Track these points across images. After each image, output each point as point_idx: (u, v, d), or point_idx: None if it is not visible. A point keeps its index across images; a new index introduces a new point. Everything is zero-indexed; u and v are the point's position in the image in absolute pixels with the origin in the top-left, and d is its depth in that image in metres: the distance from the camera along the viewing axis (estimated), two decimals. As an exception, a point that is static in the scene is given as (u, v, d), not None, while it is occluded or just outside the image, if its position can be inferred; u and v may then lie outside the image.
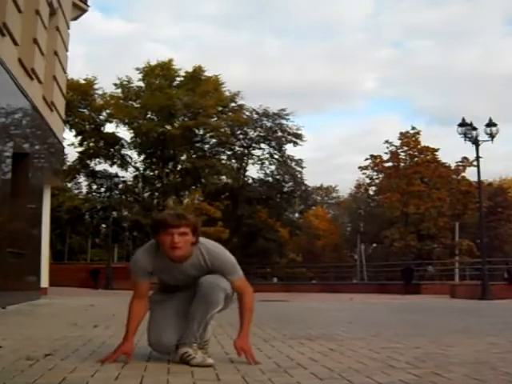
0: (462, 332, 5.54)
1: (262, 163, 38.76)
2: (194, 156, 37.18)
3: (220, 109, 36.26)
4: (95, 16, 61.55)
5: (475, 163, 18.55)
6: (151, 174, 37.56)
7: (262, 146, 38.64)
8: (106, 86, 45.47)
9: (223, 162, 37.98)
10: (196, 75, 35.62)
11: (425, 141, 41.27)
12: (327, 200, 60.97)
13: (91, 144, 35.81)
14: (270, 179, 39.27)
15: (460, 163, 39.96)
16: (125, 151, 37.17)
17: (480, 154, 17.70)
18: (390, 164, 41.76)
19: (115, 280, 23.08)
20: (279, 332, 5.39)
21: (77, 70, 69.62)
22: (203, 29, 71.82)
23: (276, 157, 38.72)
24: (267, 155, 38.71)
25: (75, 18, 14.92)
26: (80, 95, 33.93)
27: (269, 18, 78.38)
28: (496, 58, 72.79)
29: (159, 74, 35.37)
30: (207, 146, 38.08)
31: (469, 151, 36.54)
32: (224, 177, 38.41)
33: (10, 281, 9.27)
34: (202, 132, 37.03)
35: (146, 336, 3.57)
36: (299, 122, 64.75)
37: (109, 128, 36.38)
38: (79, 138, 35.31)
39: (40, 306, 9.77)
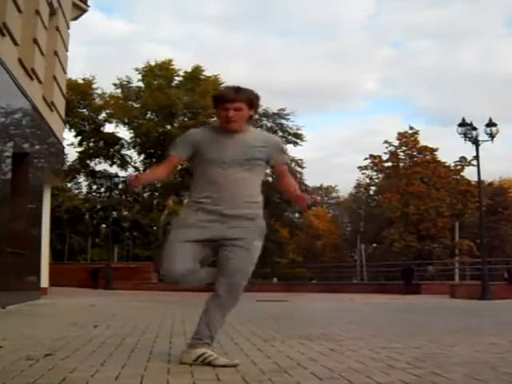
0: (461, 332, 5.54)
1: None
2: (193, 156, 37.15)
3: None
4: (96, 16, 61.70)
5: (474, 163, 18.56)
6: (151, 174, 37.50)
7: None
8: (108, 86, 45.51)
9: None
10: (195, 75, 35.60)
11: (425, 141, 41.39)
12: (327, 200, 60.97)
13: (91, 144, 35.80)
14: (270, 179, 39.26)
15: (458, 163, 40.00)
16: (125, 151, 37.17)
17: (480, 154, 17.73)
18: (389, 164, 41.79)
19: (115, 280, 23.08)
20: (279, 332, 5.39)
21: (78, 70, 69.62)
22: (204, 29, 71.98)
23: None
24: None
25: (75, 18, 14.92)
26: (79, 95, 33.93)
27: (269, 18, 78.55)
28: (496, 59, 72.94)
29: (158, 74, 35.35)
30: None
31: (469, 151, 36.55)
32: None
33: (10, 281, 9.27)
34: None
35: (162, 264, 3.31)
36: (299, 121, 64.70)
37: (108, 128, 36.37)
38: (79, 138, 35.29)
39: (40, 306, 9.77)
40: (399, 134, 41.05)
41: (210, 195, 3.28)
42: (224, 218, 3.26)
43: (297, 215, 47.04)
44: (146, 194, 38.11)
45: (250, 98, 3.35)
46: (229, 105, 3.28)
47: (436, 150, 40.60)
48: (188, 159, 3.43)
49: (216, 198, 3.26)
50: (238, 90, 3.34)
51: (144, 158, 37.02)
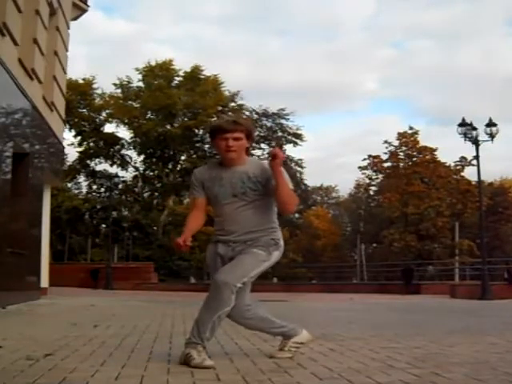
0: (461, 332, 5.54)
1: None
2: (193, 156, 37.16)
3: (220, 108, 36.26)
4: (96, 16, 61.40)
5: (474, 162, 18.56)
6: (151, 173, 37.55)
7: (262, 146, 38.66)
8: (108, 86, 45.50)
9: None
10: (194, 75, 35.61)
11: (425, 141, 41.38)
12: (327, 200, 60.95)
13: (91, 144, 35.83)
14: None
15: (458, 163, 40.00)
16: (125, 151, 37.18)
17: (480, 154, 17.72)
18: (389, 164, 41.80)
19: (115, 280, 23.07)
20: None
21: (78, 70, 69.55)
22: (204, 29, 71.76)
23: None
24: (267, 155, 38.72)
25: (75, 18, 14.92)
26: (79, 95, 33.95)
27: (269, 18, 78.43)
28: (496, 59, 72.72)
29: (159, 74, 35.37)
30: (207, 145, 38.08)
31: (469, 151, 36.53)
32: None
33: (10, 281, 9.27)
34: (201, 132, 37.01)
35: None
36: (299, 121, 64.67)
37: (108, 128, 36.41)
38: (79, 138, 35.32)
39: (40, 306, 9.77)
40: (399, 134, 41.05)
41: (221, 228, 3.52)
42: (233, 244, 3.46)
43: (297, 215, 47.08)
44: (146, 194, 38.13)
45: (248, 129, 3.48)
46: (228, 134, 3.39)
47: (436, 150, 40.60)
48: (206, 197, 3.56)
49: (227, 230, 3.47)
50: (236, 120, 3.49)
51: (144, 158, 37.05)
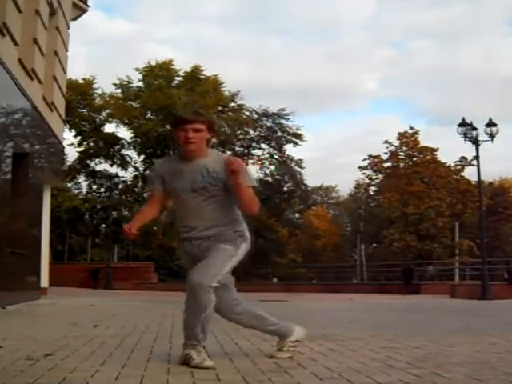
0: (461, 332, 5.54)
1: (262, 163, 38.77)
2: (193, 156, 37.13)
3: (220, 108, 36.25)
4: (96, 16, 61.43)
5: (474, 162, 18.56)
6: (151, 173, 37.50)
7: (262, 146, 38.65)
8: (108, 86, 45.47)
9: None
10: (194, 75, 35.60)
11: (425, 141, 41.34)
12: (327, 200, 60.94)
13: (91, 144, 35.81)
14: (270, 179, 39.26)
15: (459, 163, 40.00)
16: (125, 151, 37.16)
17: (480, 154, 17.73)
18: (389, 164, 41.80)
19: (115, 280, 23.08)
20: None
21: (78, 70, 69.54)
22: (204, 29, 71.78)
23: (276, 157, 38.73)
24: (267, 155, 38.73)
25: (75, 18, 14.92)
26: (79, 95, 33.94)
27: (269, 18, 78.44)
28: (496, 59, 72.71)
29: (159, 74, 35.35)
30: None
31: (469, 151, 36.51)
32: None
33: (10, 281, 9.27)
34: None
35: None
36: (299, 121, 64.63)
37: (108, 128, 36.37)
38: (79, 138, 35.29)
39: (40, 306, 9.77)
40: (399, 134, 41.05)
41: (184, 224, 3.46)
42: (196, 240, 3.41)
43: (297, 215, 47.08)
44: (145, 194, 38.09)
45: (209, 121, 3.40)
46: (188, 126, 3.31)
47: (436, 150, 40.59)
48: (165, 190, 3.50)
49: (189, 226, 3.42)
50: (197, 111, 3.42)
51: (144, 158, 37.01)
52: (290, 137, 37.89)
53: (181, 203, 3.44)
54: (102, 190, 36.68)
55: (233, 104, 37.16)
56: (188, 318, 3.31)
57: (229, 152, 38.61)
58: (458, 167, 40.49)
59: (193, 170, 3.36)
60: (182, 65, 45.90)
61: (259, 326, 3.71)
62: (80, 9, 14.87)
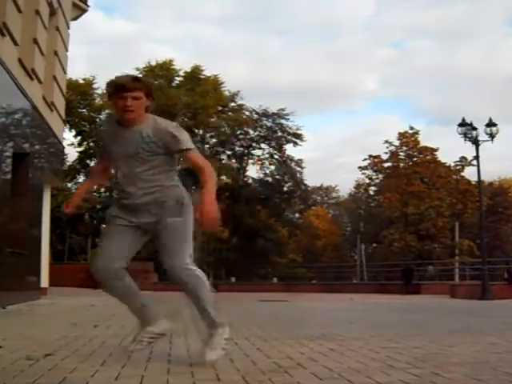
0: (461, 332, 5.54)
1: (262, 163, 38.77)
2: (193, 156, 37.15)
3: (220, 108, 36.26)
4: (96, 16, 61.45)
5: (474, 163, 18.56)
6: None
7: (262, 145, 38.65)
8: (107, 86, 45.29)
9: (223, 161, 37.95)
10: (195, 75, 35.61)
11: (425, 141, 41.34)
12: (327, 200, 60.94)
13: (91, 144, 35.82)
14: (270, 179, 39.26)
15: (459, 163, 40.01)
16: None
17: (480, 154, 17.74)
18: (389, 164, 41.80)
19: (115, 280, 23.05)
20: (279, 332, 5.39)
21: (78, 70, 69.56)
22: (204, 29, 71.69)
23: (276, 157, 38.73)
24: (267, 155, 38.73)
25: (75, 18, 14.93)
26: (79, 95, 33.96)
27: (269, 18, 78.33)
28: (496, 59, 72.61)
29: (159, 74, 35.37)
30: (207, 145, 38.09)
31: (469, 151, 36.53)
32: (224, 177, 38.41)
33: (10, 281, 9.27)
34: (201, 132, 37.01)
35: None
36: (299, 121, 64.63)
37: (109, 128, 36.42)
38: (79, 138, 35.32)
39: (40, 306, 9.77)
40: (400, 134, 41.06)
41: (122, 189, 3.36)
42: (136, 207, 3.31)
43: (297, 215, 47.08)
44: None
45: (148, 87, 3.30)
46: (127, 93, 3.19)
47: (436, 150, 40.60)
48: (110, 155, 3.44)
49: (126, 192, 3.32)
50: (136, 78, 3.32)
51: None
52: (289, 137, 37.89)
53: (117, 169, 3.35)
54: (102, 190, 36.70)
55: (233, 104, 37.17)
56: (198, 306, 3.34)
57: (229, 152, 38.86)
58: (458, 167, 40.51)
59: (129, 136, 3.27)
60: (182, 65, 45.89)
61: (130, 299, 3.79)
62: (80, 9, 14.89)
